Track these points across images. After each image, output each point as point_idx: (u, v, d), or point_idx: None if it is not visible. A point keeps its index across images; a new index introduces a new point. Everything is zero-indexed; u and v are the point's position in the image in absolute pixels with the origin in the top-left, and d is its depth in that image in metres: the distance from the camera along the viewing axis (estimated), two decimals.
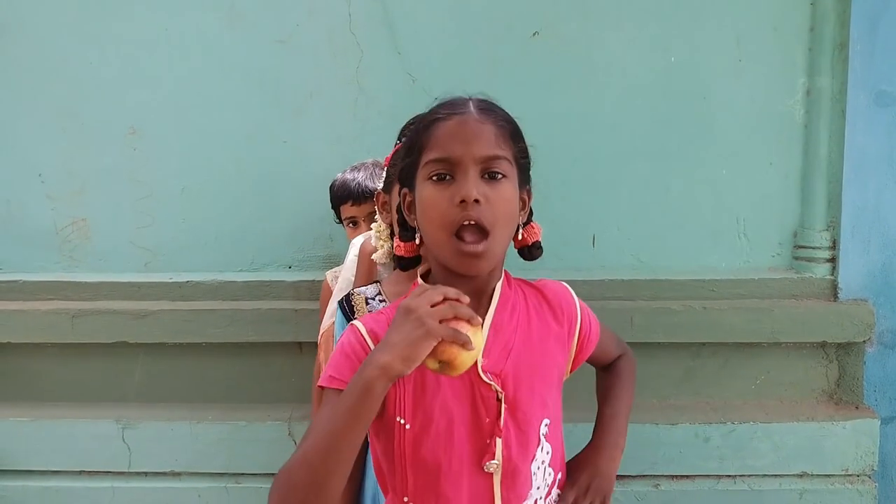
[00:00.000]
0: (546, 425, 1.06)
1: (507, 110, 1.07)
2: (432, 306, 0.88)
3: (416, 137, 1.04)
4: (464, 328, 0.87)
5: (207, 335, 1.95)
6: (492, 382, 1.00)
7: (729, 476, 1.93)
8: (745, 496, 1.92)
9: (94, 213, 2.06)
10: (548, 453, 1.08)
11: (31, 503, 1.97)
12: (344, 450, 0.87)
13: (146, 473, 1.98)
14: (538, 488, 1.06)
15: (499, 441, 1.00)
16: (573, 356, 1.15)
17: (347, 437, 0.87)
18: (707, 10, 1.96)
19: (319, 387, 1.00)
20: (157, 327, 1.95)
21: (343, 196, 1.74)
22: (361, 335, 1.00)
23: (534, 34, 1.97)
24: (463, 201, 0.95)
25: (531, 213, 1.12)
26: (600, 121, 1.99)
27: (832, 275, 1.97)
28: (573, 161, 2.00)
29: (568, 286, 1.17)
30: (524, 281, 1.14)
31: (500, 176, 0.99)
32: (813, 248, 1.97)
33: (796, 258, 2.01)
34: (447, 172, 0.98)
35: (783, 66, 1.97)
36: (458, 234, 0.96)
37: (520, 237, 1.08)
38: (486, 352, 1.01)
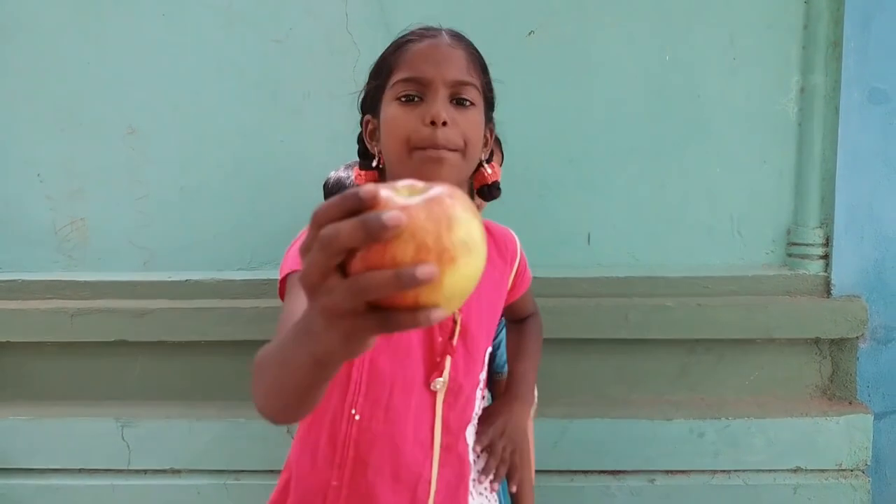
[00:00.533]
0: (488, 353, 1.10)
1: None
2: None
3: (384, 60, 1.03)
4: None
5: (206, 333, 1.96)
6: None
7: (724, 471, 1.95)
8: (740, 491, 1.94)
9: (92, 212, 2.06)
10: (483, 379, 1.12)
11: (31, 501, 1.98)
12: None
13: (145, 471, 1.99)
14: (476, 414, 1.10)
15: (448, 360, 1.00)
16: (507, 293, 1.18)
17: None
18: (701, 9, 1.97)
19: (285, 278, 0.95)
20: (157, 326, 1.96)
21: (339, 193, 1.75)
22: None
23: (529, 33, 1.98)
24: (433, 122, 0.94)
25: (492, 153, 1.13)
26: (595, 119, 2.00)
27: (826, 271, 1.99)
28: (568, 159, 2.01)
29: (512, 231, 1.21)
30: None
31: (468, 103, 0.98)
32: (806, 245, 1.98)
33: (790, 255, 2.03)
34: (416, 93, 0.97)
35: (777, 64, 1.98)
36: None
37: (479, 173, 1.08)
38: None
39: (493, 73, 2.05)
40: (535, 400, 1.34)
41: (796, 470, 1.94)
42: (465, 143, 0.97)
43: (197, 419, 1.97)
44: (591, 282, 1.96)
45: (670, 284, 1.98)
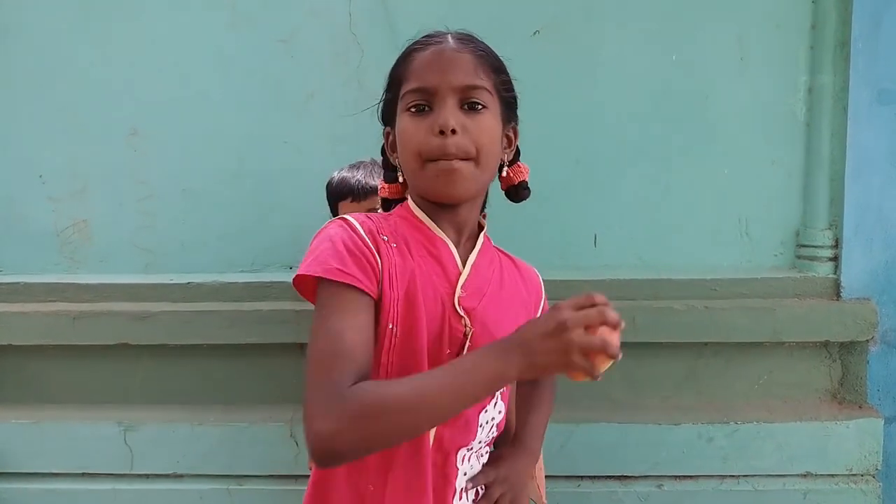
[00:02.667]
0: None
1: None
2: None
3: (394, 72, 1.04)
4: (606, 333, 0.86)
5: (208, 336, 1.94)
6: (464, 317, 0.99)
7: (732, 476, 1.92)
8: (749, 496, 1.91)
9: (95, 214, 2.05)
10: (500, 412, 1.07)
11: None
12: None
13: (148, 475, 1.97)
14: (479, 442, 1.05)
15: None
16: None
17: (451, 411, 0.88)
18: (709, 9, 1.96)
19: (315, 278, 0.92)
20: (159, 329, 1.95)
21: (344, 192, 1.72)
22: (359, 233, 0.95)
23: (535, 33, 1.97)
24: (441, 132, 0.94)
25: (518, 152, 1.11)
26: (602, 120, 1.98)
27: (835, 274, 1.96)
28: (575, 160, 1.99)
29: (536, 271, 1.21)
30: (499, 248, 1.16)
31: (479, 106, 0.98)
32: (815, 246, 1.96)
33: (799, 257, 2.01)
34: (425, 103, 0.97)
35: (785, 64, 1.97)
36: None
37: (504, 174, 1.07)
38: (466, 285, 1.01)
39: None
40: (541, 455, 1.32)
41: (806, 475, 1.92)
42: (478, 151, 0.97)
43: (199, 423, 1.95)
44: (597, 284, 1.94)
45: (677, 287, 1.96)
